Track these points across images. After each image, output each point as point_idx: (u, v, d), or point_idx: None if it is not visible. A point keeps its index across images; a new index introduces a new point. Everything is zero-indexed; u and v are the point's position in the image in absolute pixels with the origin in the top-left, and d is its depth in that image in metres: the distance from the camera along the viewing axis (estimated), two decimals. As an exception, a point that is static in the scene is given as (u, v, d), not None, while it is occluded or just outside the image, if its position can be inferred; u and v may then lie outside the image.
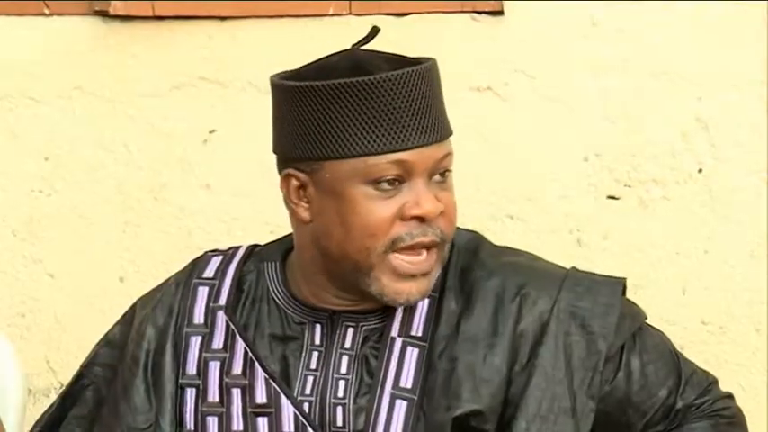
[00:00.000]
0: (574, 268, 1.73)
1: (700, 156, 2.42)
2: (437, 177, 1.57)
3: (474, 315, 1.62)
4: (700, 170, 2.43)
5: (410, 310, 1.62)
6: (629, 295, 1.79)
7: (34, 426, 1.79)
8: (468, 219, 2.40)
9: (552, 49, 2.45)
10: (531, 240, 2.44)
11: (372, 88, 1.52)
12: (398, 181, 1.54)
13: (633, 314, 1.71)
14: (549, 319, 1.62)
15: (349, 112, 1.52)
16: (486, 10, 2.44)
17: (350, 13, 2.47)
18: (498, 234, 2.42)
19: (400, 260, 1.55)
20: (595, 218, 2.46)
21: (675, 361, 1.72)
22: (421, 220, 1.54)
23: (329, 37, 2.31)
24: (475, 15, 2.45)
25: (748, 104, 2.40)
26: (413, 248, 1.55)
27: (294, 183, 1.59)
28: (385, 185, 1.54)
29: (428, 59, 1.60)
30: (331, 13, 2.47)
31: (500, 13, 2.44)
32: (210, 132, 2.54)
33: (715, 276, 2.44)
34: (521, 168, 2.47)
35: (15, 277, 2.58)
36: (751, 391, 2.41)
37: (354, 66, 1.55)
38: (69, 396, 1.76)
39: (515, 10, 2.44)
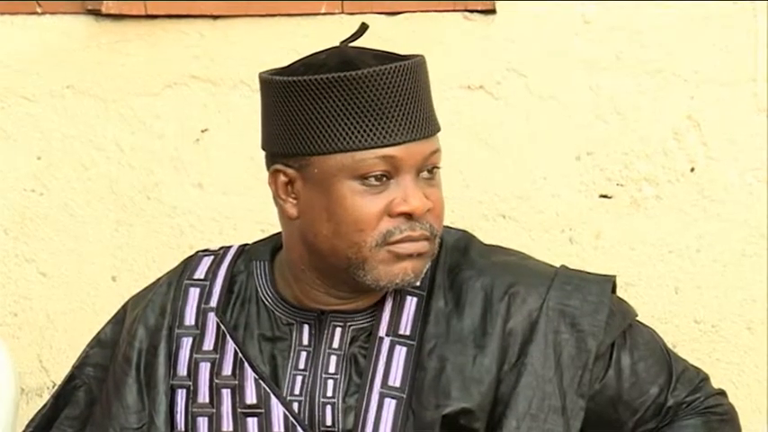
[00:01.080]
0: (563, 266, 1.73)
1: (692, 154, 2.42)
2: (425, 174, 1.57)
3: (464, 315, 1.62)
4: (692, 169, 2.42)
5: (398, 309, 1.63)
6: (620, 294, 1.79)
7: (27, 426, 1.79)
8: (459, 217, 2.41)
9: (544, 48, 2.45)
10: (524, 239, 2.44)
11: (359, 83, 1.52)
12: (386, 177, 1.54)
13: (623, 312, 1.71)
14: (538, 317, 1.62)
15: (336, 106, 1.52)
16: (479, 8, 2.44)
17: (342, 12, 2.47)
18: (490, 233, 2.42)
19: (395, 247, 1.55)
20: (587, 217, 2.46)
21: (666, 358, 1.72)
22: (408, 216, 1.54)
23: (321, 35, 2.30)
24: (467, 14, 2.45)
25: (740, 103, 2.40)
26: (408, 240, 1.56)
27: (282, 179, 1.59)
28: (372, 181, 1.54)
29: (416, 56, 1.60)
30: (323, 11, 2.47)
31: (492, 11, 2.44)
32: (203, 131, 2.54)
33: (707, 275, 2.44)
34: (513, 167, 2.47)
35: (7, 276, 2.57)
36: (743, 390, 2.41)
37: (342, 61, 1.56)
38: (61, 396, 1.77)
39: (507, 8, 2.44)
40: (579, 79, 2.44)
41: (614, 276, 1.73)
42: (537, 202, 2.46)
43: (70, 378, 1.77)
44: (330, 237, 1.56)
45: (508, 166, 2.47)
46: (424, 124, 1.56)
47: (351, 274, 1.57)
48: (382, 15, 2.47)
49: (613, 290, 1.72)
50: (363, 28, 1.65)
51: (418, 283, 1.63)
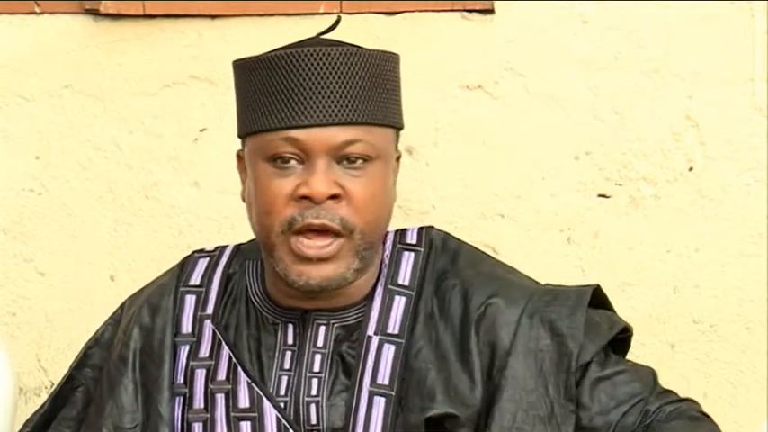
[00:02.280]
0: (547, 284, 1.70)
1: (690, 154, 2.42)
2: (345, 163, 1.55)
3: (446, 325, 1.60)
4: (690, 168, 2.42)
5: (387, 308, 1.61)
6: (619, 293, 1.77)
7: (24, 425, 1.79)
8: (458, 217, 2.41)
9: (543, 48, 2.45)
10: (522, 239, 2.44)
11: (270, 66, 1.53)
12: (297, 160, 1.53)
13: (611, 322, 1.67)
14: (517, 329, 1.59)
15: (255, 88, 1.54)
16: (477, 8, 2.44)
17: (341, 12, 2.47)
18: (489, 233, 2.42)
19: (298, 242, 1.53)
20: (586, 216, 2.45)
21: (651, 377, 1.65)
22: (314, 202, 1.52)
23: (319, 36, 2.31)
24: (465, 14, 2.45)
25: (738, 102, 2.40)
26: (309, 232, 1.53)
27: (240, 161, 1.61)
28: (281, 163, 1.53)
29: (357, 46, 1.58)
30: (322, 11, 2.47)
31: (491, 11, 2.44)
32: (201, 131, 2.54)
33: (706, 275, 2.44)
34: (511, 167, 2.47)
35: (6, 276, 2.57)
36: (742, 390, 2.41)
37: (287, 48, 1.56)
38: (59, 397, 1.77)
39: (506, 8, 2.44)
40: (577, 79, 2.44)
41: (596, 285, 1.69)
42: (535, 201, 2.46)
43: (68, 379, 1.77)
44: (254, 219, 1.58)
45: (506, 166, 2.47)
46: (335, 111, 1.53)
47: (270, 264, 1.57)
48: (381, 15, 2.47)
49: (603, 300, 1.68)
50: (337, 21, 1.65)
51: (407, 283, 1.62)
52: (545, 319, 1.60)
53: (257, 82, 1.54)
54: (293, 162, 1.53)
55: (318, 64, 1.53)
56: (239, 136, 1.61)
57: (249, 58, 1.56)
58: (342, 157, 1.54)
